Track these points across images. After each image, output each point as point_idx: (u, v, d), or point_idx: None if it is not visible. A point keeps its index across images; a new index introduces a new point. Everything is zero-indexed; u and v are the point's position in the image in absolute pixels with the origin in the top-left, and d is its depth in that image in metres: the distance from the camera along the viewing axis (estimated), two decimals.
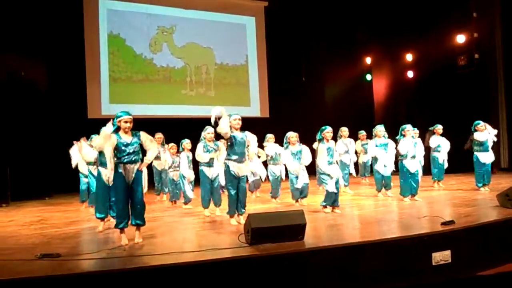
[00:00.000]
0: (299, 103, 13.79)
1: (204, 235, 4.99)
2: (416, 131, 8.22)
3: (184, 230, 5.47)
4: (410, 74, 13.19)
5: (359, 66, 14.64)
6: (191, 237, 5.04)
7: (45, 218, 6.90)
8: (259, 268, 3.75)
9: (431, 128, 8.73)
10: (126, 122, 4.49)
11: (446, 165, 8.73)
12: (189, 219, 6.25)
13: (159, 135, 8.37)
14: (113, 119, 4.60)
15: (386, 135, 7.70)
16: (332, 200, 6.04)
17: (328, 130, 6.14)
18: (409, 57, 13.09)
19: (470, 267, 4.45)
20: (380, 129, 7.64)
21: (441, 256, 4.26)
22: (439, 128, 8.56)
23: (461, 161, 9.58)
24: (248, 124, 12.59)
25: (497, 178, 9.55)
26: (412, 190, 6.86)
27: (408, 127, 6.95)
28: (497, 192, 6.12)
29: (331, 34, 13.60)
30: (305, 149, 6.88)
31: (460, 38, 11.67)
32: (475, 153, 7.86)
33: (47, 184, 10.17)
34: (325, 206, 6.12)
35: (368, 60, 14.39)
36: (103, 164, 5.37)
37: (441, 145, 8.55)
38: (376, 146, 7.54)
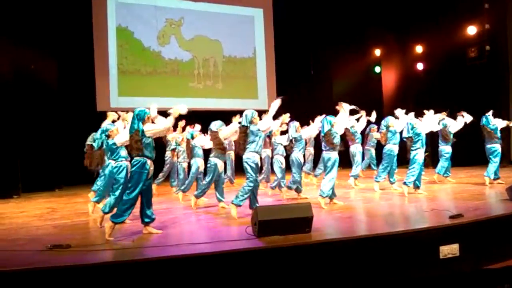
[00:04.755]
0: (307, 96, 13.74)
1: (211, 227, 5.03)
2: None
3: (191, 222, 5.51)
4: (420, 66, 13.04)
5: (368, 58, 14.48)
6: (198, 229, 5.07)
7: (55, 209, 7.00)
8: (266, 260, 3.77)
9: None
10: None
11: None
12: (197, 211, 6.28)
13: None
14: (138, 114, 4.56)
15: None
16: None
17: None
18: (419, 49, 12.92)
19: (478, 260, 4.43)
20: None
21: (449, 250, 4.25)
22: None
23: (471, 154, 9.50)
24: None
25: (507, 171, 9.45)
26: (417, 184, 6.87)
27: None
28: (507, 186, 6.06)
29: (340, 26, 13.47)
30: None
31: (471, 30, 11.49)
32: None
33: (57, 176, 10.28)
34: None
35: (377, 52, 14.23)
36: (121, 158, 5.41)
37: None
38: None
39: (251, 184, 5.40)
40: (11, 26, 9.48)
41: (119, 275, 3.45)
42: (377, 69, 14.49)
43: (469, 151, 9.39)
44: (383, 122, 7.63)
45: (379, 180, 7.51)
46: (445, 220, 4.57)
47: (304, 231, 4.22)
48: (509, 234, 4.81)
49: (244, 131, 5.45)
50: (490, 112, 7.97)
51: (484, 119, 7.88)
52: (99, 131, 5.95)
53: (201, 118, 12.30)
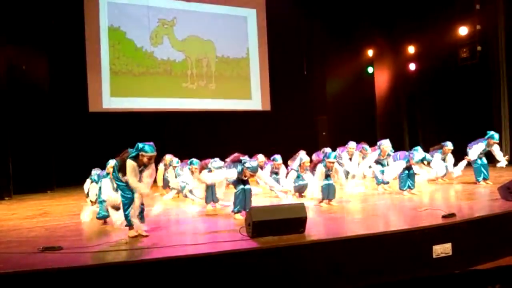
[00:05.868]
0: (300, 96, 13.76)
1: (205, 228, 5.01)
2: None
3: (185, 223, 5.49)
4: (412, 66, 13.13)
5: (361, 59, 14.56)
6: (192, 230, 5.05)
7: (47, 211, 6.94)
8: (260, 261, 3.77)
9: (443, 144, 8.35)
10: (150, 158, 4.40)
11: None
12: (191, 212, 6.26)
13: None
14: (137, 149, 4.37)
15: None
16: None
17: (332, 161, 6.02)
18: (411, 49, 13.01)
19: (470, 260, 4.45)
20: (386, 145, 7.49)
21: (442, 249, 4.26)
22: (448, 148, 8.23)
23: (463, 154, 9.55)
24: (249, 117, 12.55)
25: (498, 171, 9.52)
26: (410, 184, 6.86)
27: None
28: (499, 185, 6.10)
29: (333, 26, 13.52)
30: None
31: (463, 30, 11.58)
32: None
33: (49, 178, 10.20)
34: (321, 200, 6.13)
35: (370, 52, 14.30)
36: None
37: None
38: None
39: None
40: (1, 25, 9.40)
41: (111, 277, 3.42)
42: (370, 70, 14.56)
43: (460, 151, 9.43)
44: (378, 143, 7.64)
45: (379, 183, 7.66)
46: (438, 220, 4.59)
47: (298, 231, 4.22)
48: (501, 234, 4.84)
49: (238, 161, 5.47)
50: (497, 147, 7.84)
51: (489, 133, 7.80)
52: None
53: (193, 119, 12.29)
